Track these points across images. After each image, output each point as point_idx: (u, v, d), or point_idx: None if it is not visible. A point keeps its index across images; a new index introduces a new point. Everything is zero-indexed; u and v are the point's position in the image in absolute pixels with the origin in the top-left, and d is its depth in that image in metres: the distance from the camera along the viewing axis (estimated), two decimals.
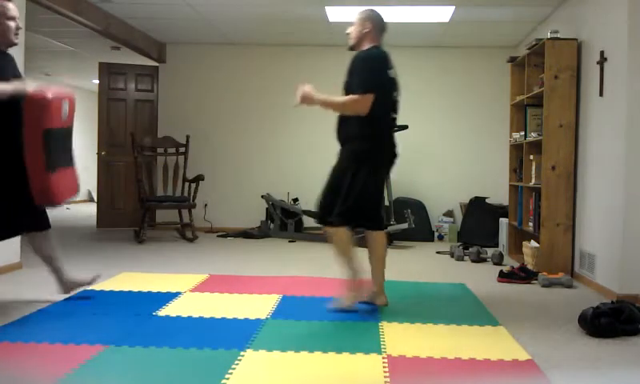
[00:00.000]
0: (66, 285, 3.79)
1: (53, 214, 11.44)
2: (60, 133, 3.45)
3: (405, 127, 7.03)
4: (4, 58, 3.51)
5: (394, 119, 3.81)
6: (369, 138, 3.61)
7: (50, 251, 3.72)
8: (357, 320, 3.43)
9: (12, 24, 3.46)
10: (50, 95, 3.30)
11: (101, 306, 3.62)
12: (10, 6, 3.49)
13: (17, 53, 4.77)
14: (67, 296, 3.81)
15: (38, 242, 3.68)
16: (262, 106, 7.95)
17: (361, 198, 3.55)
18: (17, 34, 3.50)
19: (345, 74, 3.73)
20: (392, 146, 3.79)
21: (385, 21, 3.76)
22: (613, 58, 4.41)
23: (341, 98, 3.62)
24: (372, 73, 3.59)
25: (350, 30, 3.74)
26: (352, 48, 3.77)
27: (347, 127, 3.67)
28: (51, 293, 3.91)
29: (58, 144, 3.44)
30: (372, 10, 3.73)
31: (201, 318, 3.38)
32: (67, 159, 3.58)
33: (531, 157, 5.55)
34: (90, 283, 3.87)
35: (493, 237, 6.75)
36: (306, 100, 3.63)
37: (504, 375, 2.61)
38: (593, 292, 4.44)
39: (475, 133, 7.58)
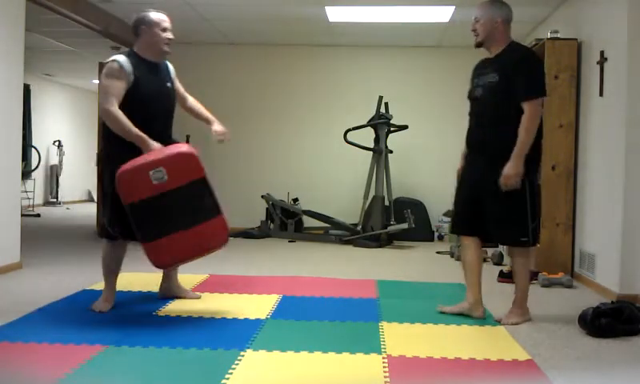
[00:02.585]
0: (166, 289, 3.77)
1: (52, 213, 11.32)
2: (150, 201, 3.17)
3: (405, 127, 7.05)
4: (153, 69, 3.48)
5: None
6: (537, 148, 3.37)
7: None
8: (357, 320, 3.43)
9: (164, 35, 3.47)
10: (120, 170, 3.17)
11: None
12: (164, 16, 3.51)
13: (17, 53, 4.78)
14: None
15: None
16: (261, 105, 7.94)
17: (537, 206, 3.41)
18: (167, 44, 3.49)
19: (493, 74, 3.38)
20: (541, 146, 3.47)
21: (511, 9, 3.42)
22: (613, 57, 4.41)
23: (524, 131, 3.23)
24: (541, 73, 3.38)
25: (476, 26, 3.43)
26: (479, 45, 3.47)
27: (498, 133, 3.36)
28: (51, 293, 3.92)
29: (153, 213, 3.19)
30: (496, 1, 3.42)
31: (201, 318, 3.38)
32: (180, 221, 3.20)
33: None
34: (192, 298, 3.80)
35: None
36: (513, 180, 3.26)
37: (504, 375, 2.61)
38: (593, 292, 4.44)
39: None
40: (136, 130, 3.27)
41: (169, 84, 3.59)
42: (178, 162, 3.22)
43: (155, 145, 3.31)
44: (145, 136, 3.29)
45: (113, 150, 3.41)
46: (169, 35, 3.50)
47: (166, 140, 3.46)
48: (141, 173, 3.15)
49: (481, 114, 3.49)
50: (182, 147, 3.30)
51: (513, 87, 3.28)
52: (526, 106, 3.23)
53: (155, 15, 3.49)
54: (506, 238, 3.53)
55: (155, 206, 3.18)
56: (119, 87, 3.30)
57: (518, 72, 3.28)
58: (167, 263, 3.38)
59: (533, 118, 3.23)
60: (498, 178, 3.28)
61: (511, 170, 3.23)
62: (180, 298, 3.79)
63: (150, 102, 3.43)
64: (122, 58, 3.37)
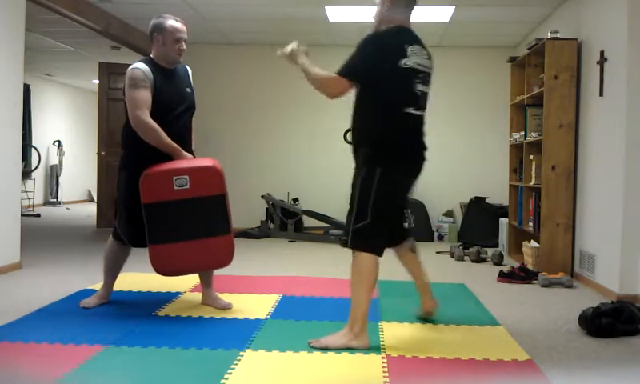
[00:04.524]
0: (203, 297, 3.68)
1: (52, 212, 11.30)
2: (167, 205, 3.27)
3: None
4: (170, 76, 3.46)
5: (414, 115, 3.21)
6: (378, 138, 3.04)
7: None
8: None
9: (176, 46, 3.43)
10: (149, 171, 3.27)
11: (101, 306, 3.61)
12: (178, 26, 3.46)
13: (17, 53, 4.78)
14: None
15: None
16: (261, 106, 7.95)
17: (378, 207, 2.93)
18: (179, 54, 3.46)
19: None
20: (411, 145, 3.23)
21: None
22: (613, 58, 4.41)
23: (319, 70, 3.06)
24: (364, 57, 2.98)
25: (374, 11, 3.17)
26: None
27: (357, 129, 3.11)
28: (51, 292, 3.91)
29: (166, 217, 3.29)
30: None
31: (201, 318, 3.38)
32: (189, 230, 3.30)
33: (531, 157, 5.55)
34: (221, 307, 3.63)
35: (493, 237, 6.75)
36: (291, 57, 3.17)
37: (504, 375, 2.61)
38: (593, 292, 4.44)
39: (475, 133, 7.57)
40: (169, 141, 3.34)
41: (188, 89, 3.57)
42: (203, 174, 3.32)
43: (187, 155, 3.40)
44: (177, 146, 3.36)
45: (129, 158, 3.46)
46: (181, 46, 3.46)
47: (185, 147, 3.47)
48: (165, 176, 3.26)
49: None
50: (209, 162, 3.39)
51: None
52: None
53: (170, 24, 3.44)
54: None
55: (170, 211, 3.27)
56: (147, 95, 3.33)
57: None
58: (166, 270, 3.42)
59: (324, 79, 3.06)
60: (357, 170, 3.04)
61: (296, 51, 3.16)
62: (210, 306, 3.63)
63: (168, 109, 3.42)
64: (142, 65, 3.37)
